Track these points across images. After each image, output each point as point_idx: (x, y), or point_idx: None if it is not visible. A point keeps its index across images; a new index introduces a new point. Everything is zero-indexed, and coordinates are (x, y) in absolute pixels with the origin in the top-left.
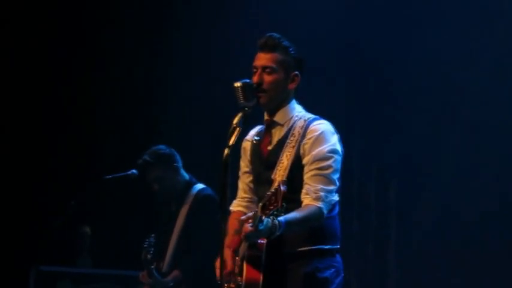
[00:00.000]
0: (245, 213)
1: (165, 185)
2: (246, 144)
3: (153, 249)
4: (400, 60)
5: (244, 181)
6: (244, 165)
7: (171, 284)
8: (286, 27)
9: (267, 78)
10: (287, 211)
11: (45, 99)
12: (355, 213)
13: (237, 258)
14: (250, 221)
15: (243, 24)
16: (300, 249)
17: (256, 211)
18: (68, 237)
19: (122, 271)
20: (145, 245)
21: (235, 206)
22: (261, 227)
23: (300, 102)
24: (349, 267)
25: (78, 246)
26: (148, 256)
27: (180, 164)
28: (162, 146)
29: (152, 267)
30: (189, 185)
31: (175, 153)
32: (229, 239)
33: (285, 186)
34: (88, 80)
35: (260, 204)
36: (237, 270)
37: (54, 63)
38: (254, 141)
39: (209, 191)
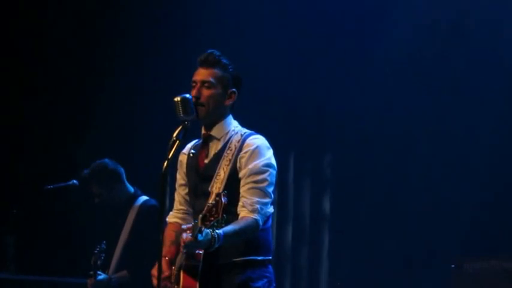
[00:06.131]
0: (181, 225)
1: (106, 200)
2: (182, 157)
3: (103, 255)
4: (335, 84)
5: (180, 193)
6: (181, 177)
7: (114, 279)
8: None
9: (205, 92)
10: (227, 223)
11: None
12: (291, 224)
13: (173, 267)
14: (189, 231)
15: (187, 38)
16: (234, 259)
17: (196, 222)
18: None
19: (70, 278)
20: (95, 251)
21: (172, 218)
22: (200, 238)
23: (238, 116)
24: (284, 275)
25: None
26: (98, 262)
27: (123, 178)
28: (106, 161)
29: (96, 267)
30: (134, 197)
31: (118, 168)
32: (165, 249)
33: (226, 198)
34: (30, 88)
35: (200, 215)
36: (173, 279)
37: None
38: (191, 155)
39: (153, 202)
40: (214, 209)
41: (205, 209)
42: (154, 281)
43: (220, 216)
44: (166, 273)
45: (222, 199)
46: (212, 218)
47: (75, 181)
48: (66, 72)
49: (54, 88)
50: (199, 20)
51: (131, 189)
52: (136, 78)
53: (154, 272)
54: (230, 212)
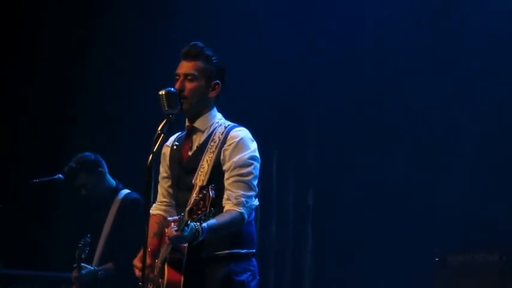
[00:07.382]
0: (164, 217)
1: (92, 191)
2: (166, 150)
3: (88, 248)
4: (319, 80)
5: (163, 186)
6: (164, 170)
7: (100, 272)
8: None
9: (188, 85)
10: (214, 216)
11: None
12: (274, 219)
13: (156, 260)
14: (173, 224)
15: (174, 31)
16: (217, 253)
17: (182, 215)
18: None
19: (55, 272)
20: (80, 244)
21: (155, 210)
22: (186, 232)
23: (221, 111)
24: (268, 269)
25: None
26: (83, 255)
27: (106, 170)
28: (87, 153)
29: (81, 260)
30: (116, 190)
31: (101, 159)
32: (148, 241)
33: (214, 192)
34: (13, 83)
35: (187, 208)
36: (157, 272)
37: None
38: (174, 147)
39: (135, 195)
40: (201, 202)
41: (193, 202)
42: (137, 272)
43: (208, 209)
44: (148, 262)
45: (210, 192)
46: (199, 212)
47: (60, 175)
48: (53, 68)
49: (39, 85)
50: (187, 15)
51: (113, 182)
52: (122, 72)
53: (137, 262)
54: (216, 205)
